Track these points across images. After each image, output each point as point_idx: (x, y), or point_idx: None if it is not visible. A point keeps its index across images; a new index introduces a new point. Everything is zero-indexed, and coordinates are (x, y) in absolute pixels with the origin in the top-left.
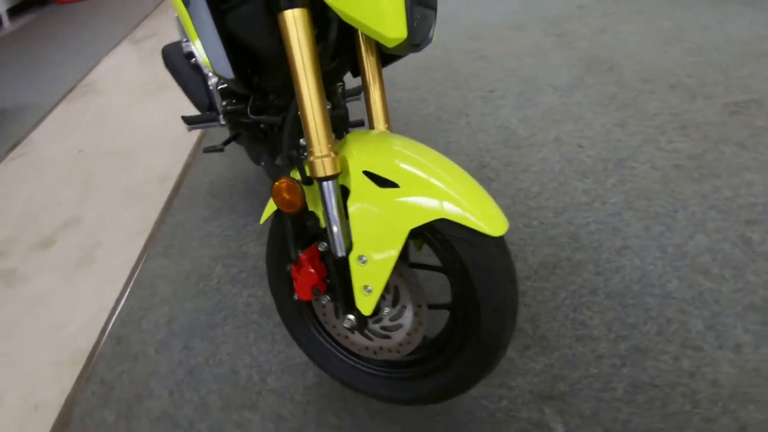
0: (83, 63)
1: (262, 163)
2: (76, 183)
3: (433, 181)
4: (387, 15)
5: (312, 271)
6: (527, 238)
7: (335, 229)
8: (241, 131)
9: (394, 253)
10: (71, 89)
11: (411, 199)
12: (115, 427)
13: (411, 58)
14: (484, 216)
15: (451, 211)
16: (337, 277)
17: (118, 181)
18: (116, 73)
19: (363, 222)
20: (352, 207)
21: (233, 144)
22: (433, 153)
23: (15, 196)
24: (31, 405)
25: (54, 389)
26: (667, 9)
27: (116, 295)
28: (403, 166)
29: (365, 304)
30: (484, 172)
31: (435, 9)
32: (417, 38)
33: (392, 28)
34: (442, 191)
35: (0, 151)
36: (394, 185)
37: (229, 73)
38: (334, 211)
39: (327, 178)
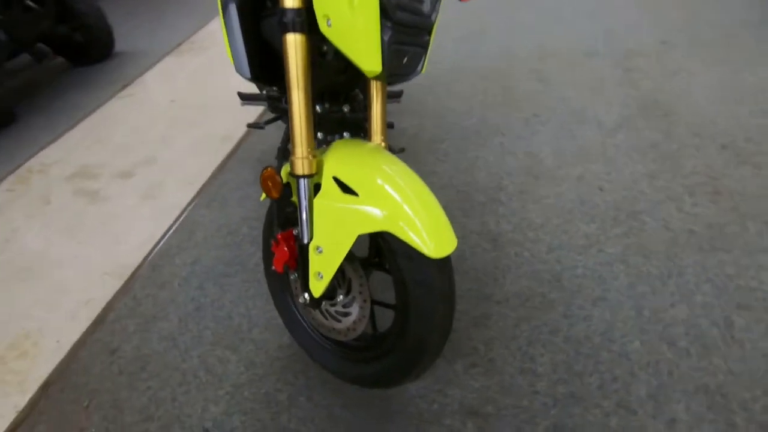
0: (196, 21)
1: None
2: (161, 128)
3: (392, 196)
4: (364, 51)
5: (285, 249)
6: (512, 266)
7: (303, 220)
8: (281, 115)
9: (343, 250)
10: (180, 43)
11: (365, 209)
12: (132, 336)
13: (474, 68)
14: (430, 237)
15: (397, 227)
16: (300, 259)
17: (191, 132)
18: (219, 34)
19: (323, 219)
20: (317, 205)
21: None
22: (404, 171)
23: (115, 129)
24: (84, 300)
25: (100, 293)
26: (758, 63)
27: (162, 231)
28: (368, 178)
29: (316, 287)
30: (497, 195)
31: (425, 47)
32: (400, 71)
33: (368, 62)
34: (396, 207)
35: (114, 88)
36: (354, 193)
37: (247, 74)
38: (304, 205)
39: (302, 177)
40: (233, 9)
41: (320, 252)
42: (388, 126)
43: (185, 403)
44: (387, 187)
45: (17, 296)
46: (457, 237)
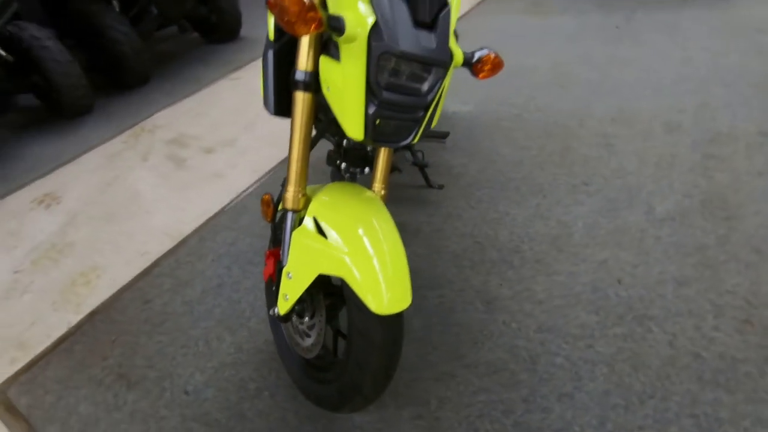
0: None
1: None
2: (250, 115)
3: (357, 247)
4: (351, 120)
5: (271, 264)
6: (496, 333)
7: (284, 246)
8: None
9: (306, 283)
10: None
11: (330, 252)
12: (164, 293)
13: (542, 120)
14: (381, 293)
15: (352, 276)
16: (276, 278)
17: (273, 124)
18: None
19: (296, 251)
20: (294, 237)
21: None
22: (383, 226)
23: (215, 107)
24: (142, 251)
25: (155, 249)
26: None
27: (218, 208)
28: (342, 226)
29: (282, 306)
30: (511, 257)
31: (417, 122)
32: (386, 139)
33: (353, 130)
34: (357, 259)
35: (227, 69)
36: (324, 236)
37: (271, 110)
38: (287, 234)
39: (290, 210)
40: (271, 54)
41: (290, 277)
42: (423, 165)
43: (180, 364)
44: (356, 238)
45: (100, 233)
46: (456, 289)
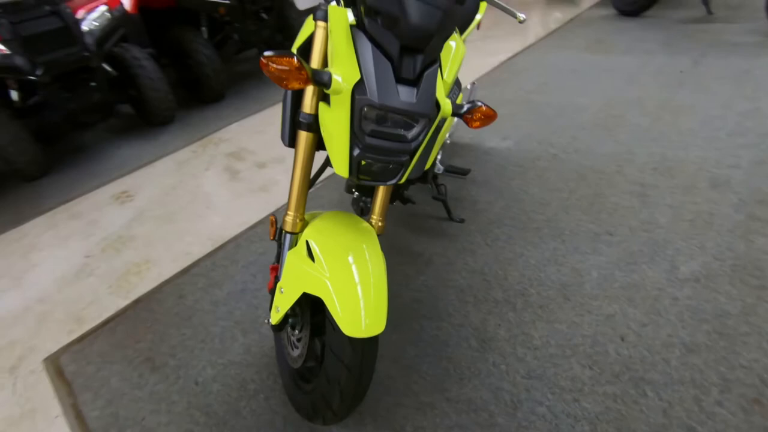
0: None
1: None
2: None
3: (339, 273)
4: (338, 159)
5: (272, 278)
6: (484, 372)
7: (281, 263)
8: None
9: (293, 299)
10: None
11: (314, 274)
12: (197, 291)
13: (578, 162)
14: (354, 318)
15: (330, 298)
16: (272, 291)
17: None
18: None
19: (288, 269)
20: (288, 256)
21: None
22: (370, 256)
23: (273, 126)
24: (186, 251)
25: (198, 250)
26: None
27: (257, 219)
28: (330, 252)
29: (273, 317)
30: (515, 299)
31: (402, 165)
32: (372, 178)
33: (339, 168)
34: (338, 283)
35: None
36: (312, 259)
37: (286, 142)
38: (284, 253)
39: (285, 234)
40: (288, 97)
41: (282, 292)
42: (441, 199)
43: (196, 357)
44: (339, 264)
45: (158, 230)
46: (455, 323)
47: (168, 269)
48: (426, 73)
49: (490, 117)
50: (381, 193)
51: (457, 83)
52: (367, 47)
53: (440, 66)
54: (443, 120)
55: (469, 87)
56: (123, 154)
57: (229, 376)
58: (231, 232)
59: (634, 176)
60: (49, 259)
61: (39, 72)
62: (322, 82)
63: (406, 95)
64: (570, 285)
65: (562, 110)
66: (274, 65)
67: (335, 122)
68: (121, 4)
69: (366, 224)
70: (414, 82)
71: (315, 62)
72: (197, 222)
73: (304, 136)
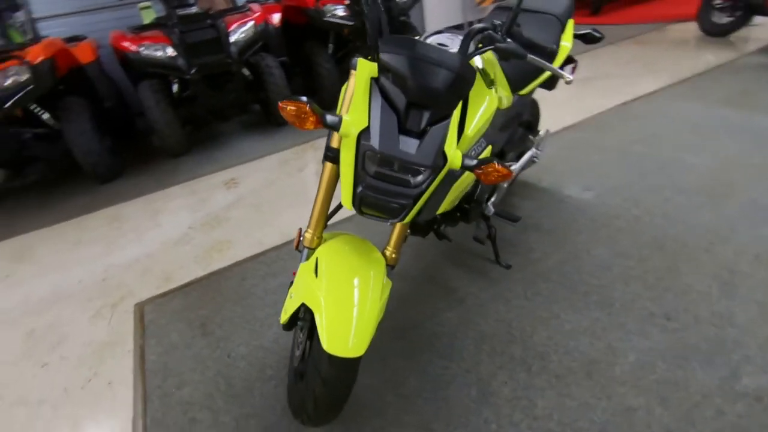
0: None
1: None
2: None
3: (336, 293)
4: (344, 192)
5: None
6: (472, 426)
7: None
8: None
9: (295, 305)
10: None
11: (313, 288)
12: (257, 278)
13: (664, 228)
14: (337, 336)
15: (320, 313)
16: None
17: None
18: None
19: (298, 278)
20: (301, 267)
21: None
22: (373, 283)
23: None
24: (261, 240)
25: (269, 241)
26: None
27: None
28: (334, 272)
29: (282, 317)
30: (533, 361)
31: (406, 207)
32: (376, 214)
33: (344, 200)
34: (331, 302)
35: None
36: (316, 274)
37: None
38: (300, 263)
39: (303, 247)
40: None
41: (291, 297)
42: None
43: (237, 334)
44: (336, 284)
45: (247, 217)
46: (463, 368)
47: (242, 252)
48: (433, 127)
49: (503, 176)
50: (397, 227)
51: (525, 129)
52: (377, 99)
53: (463, 120)
54: (454, 171)
55: (541, 133)
56: (243, 146)
57: (255, 358)
58: (272, 242)
59: (725, 259)
60: (165, 223)
61: (193, 72)
62: (331, 125)
63: (406, 146)
64: (599, 362)
65: (663, 167)
66: (289, 109)
67: (345, 160)
68: (265, 20)
69: (377, 254)
70: (419, 135)
71: (345, 105)
72: (278, 216)
73: (328, 167)
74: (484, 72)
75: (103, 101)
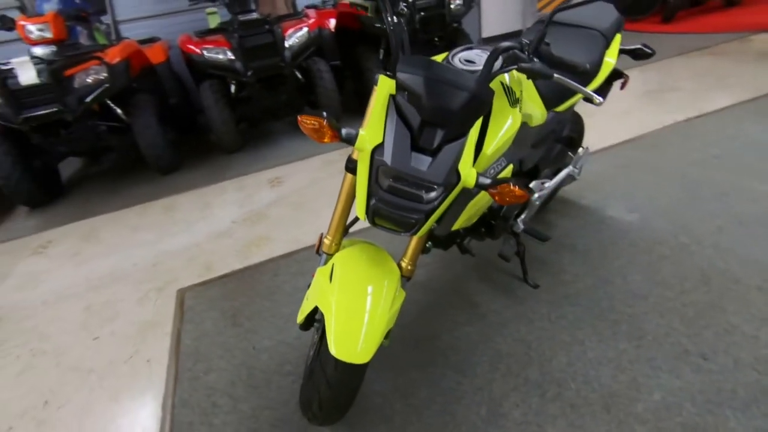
0: None
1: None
2: None
3: (348, 299)
4: (359, 203)
5: None
6: None
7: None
8: None
9: (309, 307)
10: None
11: (326, 293)
12: (288, 275)
13: (716, 258)
14: (344, 341)
15: (330, 317)
16: None
17: None
18: None
19: (315, 282)
20: (318, 271)
21: None
22: (385, 293)
23: None
24: (297, 239)
25: (305, 240)
26: None
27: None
28: (348, 279)
29: (298, 317)
30: (548, 387)
31: (417, 222)
32: (388, 227)
33: (359, 210)
34: (340, 306)
35: None
36: (331, 280)
37: None
38: (318, 267)
39: (322, 252)
40: None
41: (307, 299)
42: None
43: (262, 327)
44: (348, 291)
45: (288, 215)
46: (476, 385)
47: (279, 249)
48: (447, 146)
49: (517, 197)
50: (414, 240)
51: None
52: (393, 116)
53: (483, 138)
54: (470, 189)
55: (580, 151)
56: (291, 146)
57: (277, 353)
58: (304, 244)
59: None
60: (212, 216)
61: (249, 74)
62: (347, 140)
63: (419, 163)
64: (619, 396)
65: (721, 194)
66: (307, 123)
67: (360, 173)
68: (319, 26)
69: (393, 264)
70: (433, 152)
71: (366, 119)
72: (316, 216)
73: (348, 177)
74: (509, 90)
75: (169, 98)
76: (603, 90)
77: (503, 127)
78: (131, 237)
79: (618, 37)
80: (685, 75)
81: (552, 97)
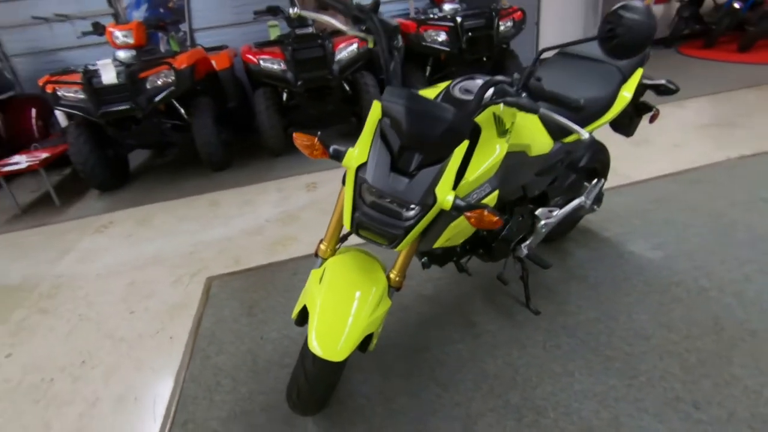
0: None
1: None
2: None
3: (332, 299)
4: (345, 213)
5: None
6: None
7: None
8: None
9: (301, 304)
10: None
11: (314, 293)
12: (306, 274)
13: (734, 306)
14: (323, 337)
15: (313, 315)
16: None
17: None
18: None
19: (308, 283)
20: (312, 273)
21: None
22: (370, 299)
23: None
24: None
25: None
26: None
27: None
28: (335, 281)
29: (294, 312)
30: (527, 413)
31: (397, 237)
32: (371, 239)
33: (345, 220)
34: (325, 306)
35: None
36: (319, 283)
37: None
38: (315, 269)
39: (317, 255)
40: None
41: (301, 297)
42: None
43: (272, 320)
44: (334, 293)
45: (316, 218)
46: (454, 401)
47: (302, 250)
48: (424, 170)
49: (489, 223)
50: (403, 253)
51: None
52: (377, 138)
53: (465, 164)
54: (448, 211)
55: (593, 182)
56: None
57: (281, 345)
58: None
59: None
60: (249, 214)
61: (298, 84)
62: (335, 157)
63: (396, 183)
64: None
65: (759, 240)
66: (301, 140)
67: (347, 187)
68: (367, 43)
69: (381, 274)
70: (411, 174)
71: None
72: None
73: (343, 190)
74: (500, 120)
75: (229, 102)
76: (629, 124)
77: (487, 156)
78: (177, 225)
79: (639, 71)
80: (751, 110)
81: (557, 128)
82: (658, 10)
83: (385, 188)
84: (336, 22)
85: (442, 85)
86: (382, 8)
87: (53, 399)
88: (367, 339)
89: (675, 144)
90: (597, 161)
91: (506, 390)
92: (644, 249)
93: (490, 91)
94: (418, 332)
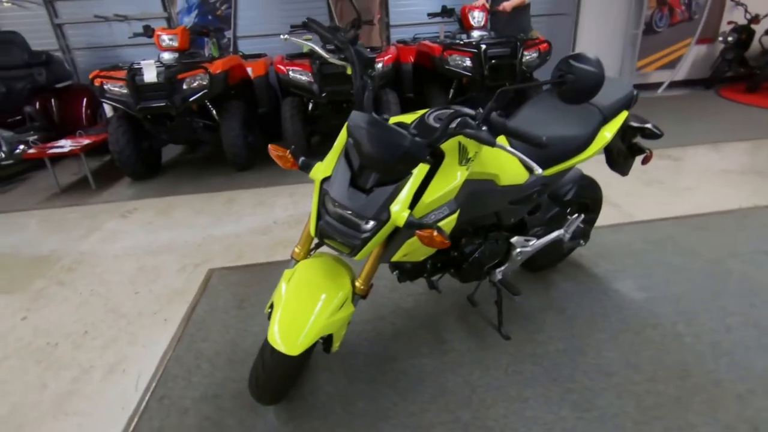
0: None
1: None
2: None
3: (293, 297)
4: (311, 220)
5: None
6: None
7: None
8: None
9: (270, 302)
10: None
11: (281, 290)
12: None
13: (711, 356)
14: (283, 331)
15: (277, 309)
16: None
17: None
18: None
19: (281, 281)
20: (285, 273)
21: None
22: (331, 301)
23: None
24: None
25: None
26: None
27: None
28: (299, 280)
29: (267, 308)
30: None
31: (355, 247)
32: (335, 247)
33: (311, 227)
34: (288, 302)
35: None
36: (287, 283)
37: None
38: (285, 270)
39: (292, 257)
40: None
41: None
42: (474, 304)
43: (260, 315)
44: (298, 291)
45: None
46: (409, 412)
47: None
48: (380, 188)
49: (436, 243)
50: (368, 263)
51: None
52: (342, 156)
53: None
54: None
55: (573, 217)
56: None
57: (261, 339)
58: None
59: (756, 415)
60: (260, 214)
61: (323, 96)
62: (304, 168)
63: (353, 197)
64: None
65: (752, 293)
66: (275, 152)
67: (314, 197)
68: (397, 61)
69: (347, 280)
70: (368, 191)
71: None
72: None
73: None
74: (463, 149)
75: (260, 107)
76: (623, 163)
77: (448, 181)
78: (193, 218)
79: (624, 114)
80: None
81: (536, 161)
82: (700, 50)
83: (344, 201)
84: (320, 50)
85: (420, 112)
86: (416, 30)
87: (54, 362)
88: (330, 340)
89: (687, 187)
90: (586, 197)
91: (460, 407)
92: (630, 288)
93: (457, 121)
94: (390, 342)
